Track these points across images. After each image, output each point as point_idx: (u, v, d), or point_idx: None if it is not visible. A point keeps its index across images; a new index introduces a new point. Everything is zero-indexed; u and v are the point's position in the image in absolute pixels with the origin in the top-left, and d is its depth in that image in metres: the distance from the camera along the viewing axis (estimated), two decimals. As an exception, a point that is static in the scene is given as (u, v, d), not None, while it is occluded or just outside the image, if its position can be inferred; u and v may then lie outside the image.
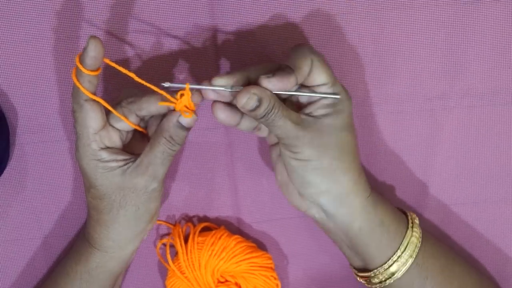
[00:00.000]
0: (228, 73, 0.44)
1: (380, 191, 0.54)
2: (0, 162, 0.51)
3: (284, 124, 0.43)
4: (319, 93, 0.45)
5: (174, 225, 0.55)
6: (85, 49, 0.41)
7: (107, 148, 0.45)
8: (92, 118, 0.43)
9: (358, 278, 0.50)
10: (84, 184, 0.46)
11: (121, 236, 0.47)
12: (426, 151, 0.54)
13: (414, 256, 0.47)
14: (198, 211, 0.56)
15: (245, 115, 0.46)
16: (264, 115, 0.43)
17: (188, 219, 0.56)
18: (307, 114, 0.45)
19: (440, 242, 0.51)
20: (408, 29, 0.51)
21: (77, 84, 0.42)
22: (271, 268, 0.54)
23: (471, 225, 0.56)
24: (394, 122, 0.54)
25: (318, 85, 0.45)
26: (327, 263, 0.57)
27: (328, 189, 0.46)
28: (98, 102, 0.43)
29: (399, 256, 0.47)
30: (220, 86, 0.43)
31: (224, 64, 0.52)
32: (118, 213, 0.46)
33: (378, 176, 0.55)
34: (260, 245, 0.56)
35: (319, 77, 0.44)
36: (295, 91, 0.45)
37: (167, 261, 0.54)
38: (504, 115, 0.53)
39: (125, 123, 0.45)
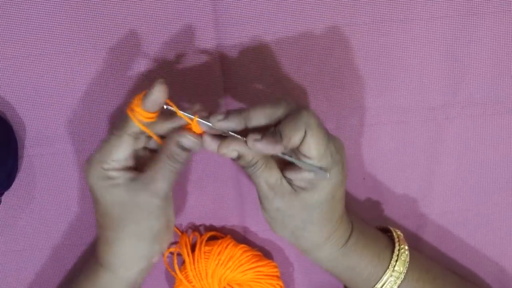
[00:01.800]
0: (227, 115, 0.42)
1: (382, 198, 0.55)
2: (9, 174, 0.52)
3: (259, 183, 0.44)
4: (306, 165, 0.42)
5: (181, 234, 0.55)
6: (149, 92, 0.42)
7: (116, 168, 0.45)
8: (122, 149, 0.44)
9: None
10: (93, 201, 0.47)
11: (125, 255, 0.47)
12: (429, 159, 0.55)
13: None
14: (205, 220, 0.56)
15: None
16: (244, 167, 0.44)
17: (195, 228, 0.56)
18: (288, 181, 0.44)
19: (428, 271, 0.50)
20: (411, 40, 0.52)
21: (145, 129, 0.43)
22: (276, 276, 0.55)
23: (472, 232, 0.57)
24: (397, 132, 0.54)
25: (306, 156, 0.43)
26: (332, 271, 0.58)
27: (292, 243, 0.47)
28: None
29: None
30: (222, 128, 0.43)
31: (229, 81, 0.53)
32: (123, 230, 0.46)
33: (380, 185, 0.56)
34: (266, 253, 0.57)
35: (308, 150, 0.42)
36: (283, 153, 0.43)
37: (174, 270, 0.54)
38: (505, 123, 0.54)
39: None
